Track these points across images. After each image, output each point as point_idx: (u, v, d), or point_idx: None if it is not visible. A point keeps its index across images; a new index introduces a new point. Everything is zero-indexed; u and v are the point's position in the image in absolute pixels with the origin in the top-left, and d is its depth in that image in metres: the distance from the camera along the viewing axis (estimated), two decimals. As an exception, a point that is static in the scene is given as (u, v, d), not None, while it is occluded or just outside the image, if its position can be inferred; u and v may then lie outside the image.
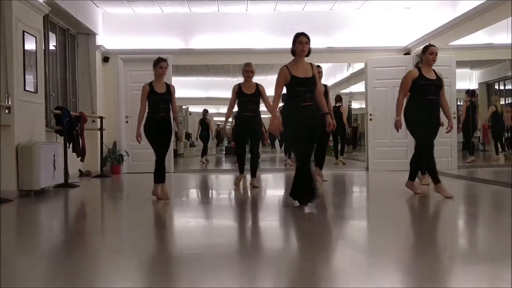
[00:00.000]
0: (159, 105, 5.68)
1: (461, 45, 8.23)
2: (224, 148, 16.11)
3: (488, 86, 7.98)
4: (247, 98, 6.79)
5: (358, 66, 10.23)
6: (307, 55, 5.13)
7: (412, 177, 5.84)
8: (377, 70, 9.80)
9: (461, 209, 5.14)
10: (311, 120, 5.01)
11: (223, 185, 8.13)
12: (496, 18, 6.92)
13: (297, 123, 4.95)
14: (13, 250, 3.59)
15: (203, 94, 14.72)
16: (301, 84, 4.99)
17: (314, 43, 9.78)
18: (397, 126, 5.70)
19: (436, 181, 5.60)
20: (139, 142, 5.74)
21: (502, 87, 7.73)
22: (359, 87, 10.02)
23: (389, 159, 9.62)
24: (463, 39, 7.63)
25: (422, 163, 5.74)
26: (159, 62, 5.73)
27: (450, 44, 8.00)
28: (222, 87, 11.70)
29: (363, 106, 10.13)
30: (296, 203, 5.05)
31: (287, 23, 9.99)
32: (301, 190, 5.00)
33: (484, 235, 3.99)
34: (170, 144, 5.94)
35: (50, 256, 3.46)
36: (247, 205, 5.85)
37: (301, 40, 5.07)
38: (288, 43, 9.98)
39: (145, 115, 5.75)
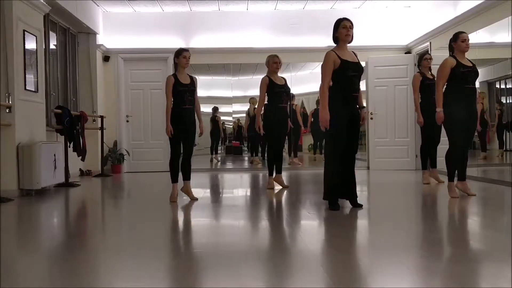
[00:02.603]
0: (186, 97, 5.47)
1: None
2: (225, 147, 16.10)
3: (489, 84, 7.96)
4: (281, 88, 6.58)
5: (358, 65, 10.20)
6: (351, 41, 4.82)
7: (451, 177, 5.47)
8: (378, 69, 9.80)
9: (460, 207, 5.13)
10: (356, 113, 4.79)
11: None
12: (496, 17, 6.91)
13: (340, 119, 4.62)
14: (14, 250, 3.59)
15: (204, 93, 14.74)
16: (352, 69, 4.68)
17: (315, 42, 9.91)
18: (439, 118, 5.31)
19: (462, 178, 5.52)
20: (171, 136, 5.46)
21: (503, 86, 7.70)
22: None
23: (390, 158, 9.63)
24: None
25: (455, 159, 5.41)
26: (182, 52, 5.55)
27: (451, 43, 8.00)
28: (223, 86, 11.69)
29: (364, 105, 10.12)
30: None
31: (287, 22, 10.01)
32: (338, 192, 4.80)
33: (484, 234, 3.98)
34: (194, 140, 5.73)
35: (50, 256, 3.45)
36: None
37: (344, 24, 4.74)
38: (288, 42, 10.07)
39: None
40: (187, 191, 5.70)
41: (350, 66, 4.72)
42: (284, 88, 6.65)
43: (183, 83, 5.50)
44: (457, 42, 5.46)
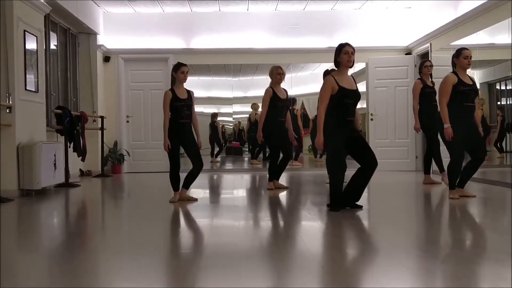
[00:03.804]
0: (183, 112, 5.49)
1: (462, 45, 8.22)
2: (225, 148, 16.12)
3: (489, 86, 7.95)
4: (283, 103, 6.59)
5: (359, 66, 10.23)
6: (351, 66, 4.89)
7: (452, 186, 5.49)
8: (378, 70, 9.80)
9: (461, 208, 5.13)
10: (354, 131, 4.88)
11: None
12: (497, 18, 6.91)
13: (340, 139, 4.73)
14: (14, 250, 3.59)
15: (204, 94, 14.76)
16: (349, 97, 4.78)
17: (315, 43, 9.91)
18: (448, 134, 5.28)
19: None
20: (168, 151, 5.48)
21: (503, 87, 7.69)
22: (360, 87, 9.97)
23: (391, 159, 9.62)
24: (465, 39, 7.61)
25: (457, 172, 5.44)
26: (180, 67, 5.55)
27: (451, 44, 7.99)
28: (223, 87, 11.70)
29: (364, 106, 10.13)
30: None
31: (288, 23, 10.02)
32: (340, 201, 4.85)
33: (484, 235, 3.98)
34: (199, 149, 5.68)
35: (50, 256, 3.45)
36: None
37: (346, 50, 4.80)
38: (289, 43, 10.07)
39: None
40: (185, 198, 5.67)
41: (347, 94, 4.78)
42: (286, 102, 6.66)
43: (181, 98, 5.50)
44: (459, 58, 5.46)
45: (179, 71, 5.55)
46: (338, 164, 4.82)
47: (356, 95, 4.86)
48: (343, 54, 4.82)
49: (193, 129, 5.68)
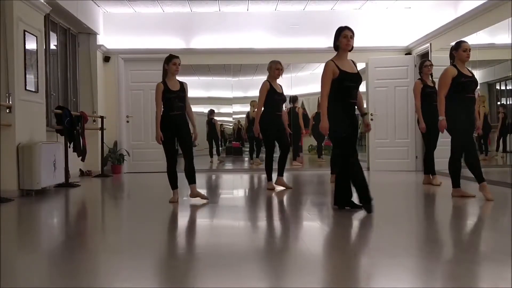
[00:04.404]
0: (175, 103, 5.45)
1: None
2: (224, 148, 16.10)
3: (489, 86, 7.95)
4: (280, 97, 6.61)
5: (359, 66, 10.20)
6: (351, 50, 4.88)
7: (455, 184, 5.55)
8: (378, 70, 9.81)
9: (462, 209, 5.13)
10: (355, 119, 4.87)
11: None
12: (497, 18, 6.91)
13: (344, 122, 4.72)
14: (14, 250, 3.59)
15: (204, 94, 14.77)
16: (350, 79, 4.77)
17: (315, 43, 9.91)
18: (442, 127, 5.37)
19: (480, 180, 5.42)
20: (160, 143, 5.45)
21: (503, 87, 7.69)
22: (360, 87, 9.99)
23: (391, 159, 9.63)
24: (464, 39, 7.61)
25: (470, 162, 5.41)
26: (172, 59, 5.51)
27: (451, 44, 7.99)
28: (223, 87, 11.68)
29: (364, 106, 10.12)
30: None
31: (288, 23, 10.02)
32: (347, 195, 4.83)
33: (485, 235, 3.98)
34: (192, 143, 5.68)
35: (50, 256, 3.45)
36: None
37: (346, 34, 4.78)
38: (289, 43, 10.07)
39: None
40: (196, 195, 5.62)
41: (348, 77, 4.77)
42: (282, 96, 6.67)
43: (173, 90, 5.47)
44: (458, 51, 5.49)
45: (171, 62, 5.51)
46: (345, 154, 4.78)
47: (357, 78, 4.84)
48: (342, 38, 4.81)
49: (188, 121, 5.64)
